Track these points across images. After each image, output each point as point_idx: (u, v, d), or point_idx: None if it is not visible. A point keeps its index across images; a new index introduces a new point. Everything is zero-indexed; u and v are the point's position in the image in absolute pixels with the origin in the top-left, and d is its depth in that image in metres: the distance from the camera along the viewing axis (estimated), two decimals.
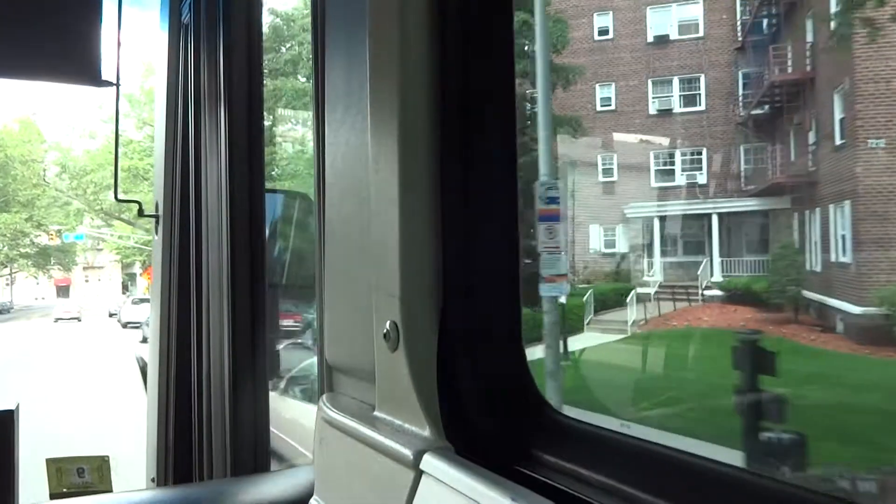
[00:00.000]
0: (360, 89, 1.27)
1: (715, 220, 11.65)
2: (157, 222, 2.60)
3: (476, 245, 1.13)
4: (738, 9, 12.37)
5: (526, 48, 9.28)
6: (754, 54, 11.50)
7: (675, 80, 12.48)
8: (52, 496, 2.21)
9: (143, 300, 26.24)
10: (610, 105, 12.93)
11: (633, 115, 12.63)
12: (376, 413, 1.24)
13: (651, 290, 11.17)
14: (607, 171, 12.86)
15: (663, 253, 12.17)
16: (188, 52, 2.48)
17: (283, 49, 18.49)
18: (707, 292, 11.11)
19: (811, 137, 9.20)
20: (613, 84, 12.86)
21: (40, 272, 41.53)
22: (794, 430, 4.44)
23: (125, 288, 44.41)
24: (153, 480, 2.50)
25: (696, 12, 12.61)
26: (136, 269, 37.93)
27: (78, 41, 2.24)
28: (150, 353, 2.64)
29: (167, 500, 1.78)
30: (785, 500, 0.77)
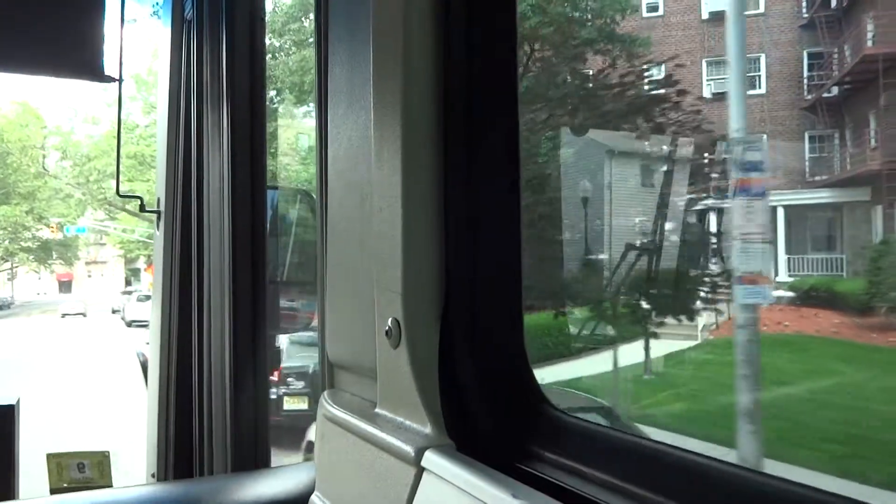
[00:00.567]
0: (363, 86, 1.27)
1: (781, 214, 10.32)
2: (158, 217, 2.60)
3: (478, 242, 1.13)
4: None
5: None
6: (823, 31, 10.47)
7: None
8: (53, 491, 2.21)
9: (149, 297, 24.99)
10: (658, 88, 12.36)
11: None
12: (378, 410, 1.24)
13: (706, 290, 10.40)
14: (659, 159, 12.13)
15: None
16: (191, 48, 2.48)
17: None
18: (774, 293, 10.25)
19: None
20: (663, 66, 11.63)
21: (42, 267, 41.14)
22: None
23: (128, 283, 44.30)
24: (153, 476, 2.50)
25: None
26: (141, 263, 37.37)
27: (80, 36, 2.24)
28: (151, 348, 2.64)
29: (167, 495, 1.78)
30: (784, 499, 0.77)
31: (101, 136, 32.07)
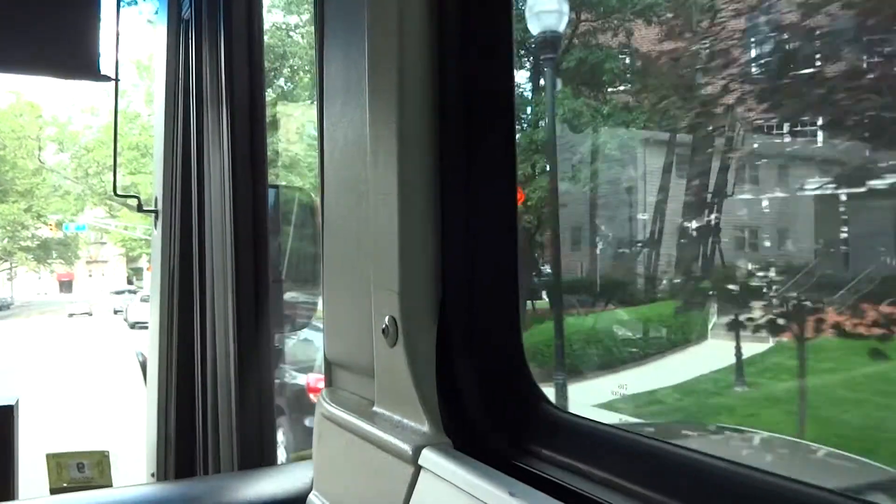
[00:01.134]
0: (359, 83, 1.26)
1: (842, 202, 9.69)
2: (156, 217, 2.60)
3: (475, 240, 1.13)
4: None
5: None
6: None
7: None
8: (53, 491, 2.21)
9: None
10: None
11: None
12: (375, 408, 1.24)
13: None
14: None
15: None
16: (188, 48, 2.47)
17: None
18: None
19: None
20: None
21: (41, 266, 40.78)
22: None
23: (129, 283, 44.17)
24: (153, 475, 2.50)
25: None
26: (143, 262, 36.77)
27: (77, 36, 2.24)
28: (150, 348, 2.64)
29: (166, 494, 1.78)
30: (782, 496, 0.77)
31: (101, 126, 30.78)
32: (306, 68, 16.75)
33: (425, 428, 1.10)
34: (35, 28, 2.20)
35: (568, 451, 0.97)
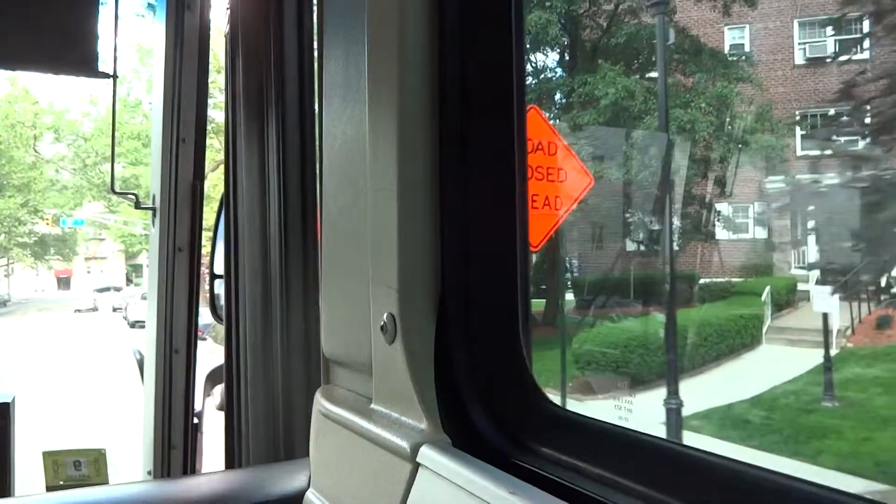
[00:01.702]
0: (358, 80, 1.26)
1: None
2: (154, 214, 2.59)
3: (474, 236, 1.12)
4: None
5: None
6: None
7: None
8: (49, 488, 2.21)
9: None
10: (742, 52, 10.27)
11: (772, 64, 9.72)
12: (373, 406, 1.23)
13: (810, 287, 8.26)
14: (739, 137, 9.77)
15: (817, 238, 9.02)
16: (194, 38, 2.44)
17: None
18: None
19: None
20: (747, 26, 10.27)
21: (39, 263, 40.40)
22: None
23: (129, 280, 44.01)
24: (149, 473, 2.49)
25: None
26: (143, 259, 36.54)
27: (75, 33, 2.23)
28: (147, 346, 2.63)
29: (163, 492, 1.77)
30: (783, 494, 0.76)
31: (100, 115, 29.57)
32: None
33: (423, 425, 1.09)
34: (33, 24, 2.20)
35: (566, 449, 0.96)
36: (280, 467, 1.87)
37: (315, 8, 2.01)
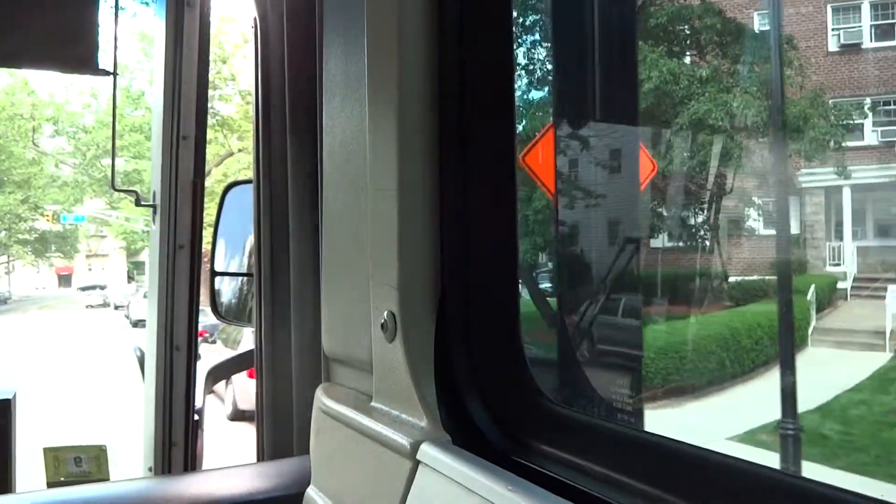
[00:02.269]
0: (358, 78, 1.26)
1: None
2: (154, 211, 2.59)
3: (474, 235, 1.12)
4: None
5: None
6: None
7: (866, 5, 9.95)
8: (50, 485, 2.21)
9: None
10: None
11: (804, 52, 10.23)
12: (373, 403, 1.24)
13: (846, 285, 8.93)
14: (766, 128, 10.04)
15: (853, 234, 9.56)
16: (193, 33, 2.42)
17: None
18: None
19: None
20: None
21: (40, 260, 40.13)
22: None
23: (130, 278, 43.84)
24: (150, 469, 2.50)
25: None
26: (145, 256, 36.30)
27: (75, 30, 2.23)
28: (148, 343, 2.64)
29: (163, 489, 1.77)
30: (783, 492, 0.76)
31: (101, 107, 29.04)
32: None
33: (423, 423, 1.09)
34: (32, 21, 2.19)
35: (566, 447, 0.97)
36: (281, 464, 1.87)
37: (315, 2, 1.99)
